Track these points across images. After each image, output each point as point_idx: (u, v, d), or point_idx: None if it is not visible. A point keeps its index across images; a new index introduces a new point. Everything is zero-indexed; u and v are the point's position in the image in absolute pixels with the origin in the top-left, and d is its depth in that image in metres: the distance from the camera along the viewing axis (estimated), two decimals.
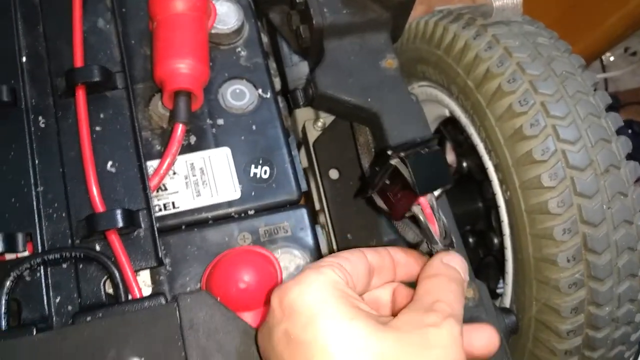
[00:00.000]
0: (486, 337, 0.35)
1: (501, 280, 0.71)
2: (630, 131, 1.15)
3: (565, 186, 0.49)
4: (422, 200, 0.35)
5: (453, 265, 0.35)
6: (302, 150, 0.74)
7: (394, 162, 0.35)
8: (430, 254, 0.37)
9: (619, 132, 0.53)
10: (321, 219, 0.70)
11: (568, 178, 0.49)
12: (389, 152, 0.35)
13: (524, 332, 0.58)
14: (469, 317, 0.47)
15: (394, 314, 0.38)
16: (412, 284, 0.39)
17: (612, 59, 1.25)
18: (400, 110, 0.52)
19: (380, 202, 0.39)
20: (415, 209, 0.36)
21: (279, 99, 0.59)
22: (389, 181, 0.36)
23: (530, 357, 0.58)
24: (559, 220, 0.49)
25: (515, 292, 0.59)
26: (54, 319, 0.43)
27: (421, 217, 0.36)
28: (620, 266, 0.49)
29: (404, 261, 0.38)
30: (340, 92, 0.52)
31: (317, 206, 0.71)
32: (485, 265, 0.82)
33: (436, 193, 0.36)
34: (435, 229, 0.36)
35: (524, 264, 0.54)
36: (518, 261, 0.56)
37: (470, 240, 0.84)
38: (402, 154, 0.34)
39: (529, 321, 0.56)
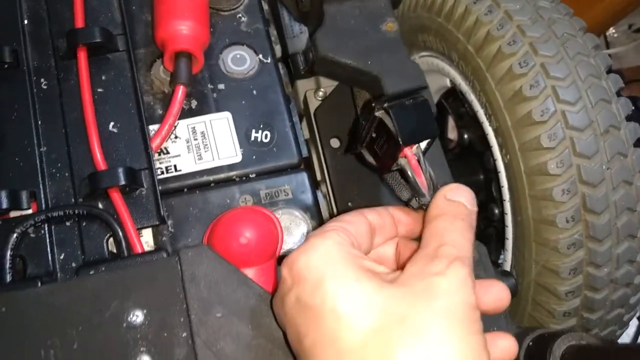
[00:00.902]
0: (495, 293, 0.34)
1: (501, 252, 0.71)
2: (633, 107, 1.14)
3: (564, 147, 0.49)
4: (408, 151, 0.35)
5: (458, 199, 0.34)
6: (304, 123, 0.74)
7: (378, 113, 0.35)
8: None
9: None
10: (323, 189, 0.71)
11: (567, 138, 0.49)
12: (373, 104, 0.35)
13: (523, 296, 0.58)
14: None
15: (399, 268, 0.38)
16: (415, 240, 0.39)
17: (615, 35, 1.24)
18: (400, 73, 0.52)
19: (369, 157, 0.39)
20: (402, 161, 0.36)
21: (280, 65, 0.59)
22: (375, 134, 0.36)
23: (529, 320, 0.59)
24: (559, 180, 0.49)
25: (515, 257, 0.60)
26: (59, 274, 0.44)
27: (408, 170, 0.36)
28: (619, 227, 0.50)
29: (404, 219, 0.38)
30: (340, 55, 0.52)
31: (319, 176, 0.72)
32: (486, 237, 0.82)
33: (422, 145, 0.36)
34: (422, 181, 0.35)
35: (523, 227, 0.55)
36: (518, 225, 0.56)
37: None
38: (385, 105, 0.34)
39: (528, 285, 0.57)
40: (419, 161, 0.36)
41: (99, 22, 0.50)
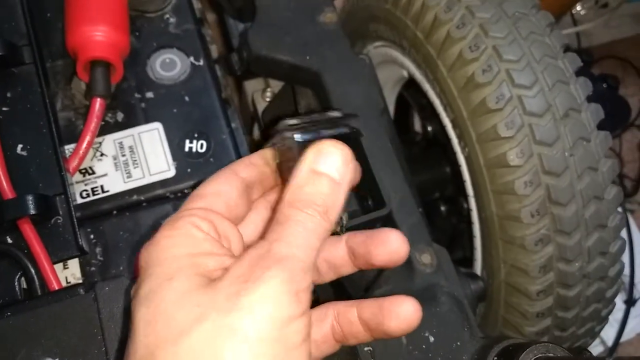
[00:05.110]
0: (387, 243, 0.31)
1: None
2: (605, 85, 1.11)
3: (523, 135, 0.45)
4: None
5: (323, 171, 0.27)
6: (257, 125, 0.70)
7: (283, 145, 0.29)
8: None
9: (594, 85, 0.48)
10: None
11: (526, 126, 0.45)
12: (280, 129, 0.30)
13: (495, 298, 0.54)
14: (427, 284, 0.44)
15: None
16: None
17: (582, 12, 1.20)
18: (343, 68, 0.48)
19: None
20: None
21: (217, 67, 0.55)
22: (279, 159, 0.31)
23: (504, 324, 0.55)
24: (520, 172, 0.45)
25: (483, 256, 0.56)
26: None
27: None
28: (588, 217, 0.46)
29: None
30: (275, 52, 0.48)
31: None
32: (460, 233, 0.79)
33: None
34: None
35: (488, 224, 0.51)
36: (483, 222, 0.52)
37: (442, 208, 0.80)
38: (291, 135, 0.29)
39: (499, 286, 0.53)
40: None
41: (1, 32, 0.45)
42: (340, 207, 0.27)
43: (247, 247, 0.30)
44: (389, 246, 0.31)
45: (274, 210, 0.27)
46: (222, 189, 0.29)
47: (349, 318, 0.31)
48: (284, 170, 0.32)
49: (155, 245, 0.26)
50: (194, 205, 0.28)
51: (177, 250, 0.26)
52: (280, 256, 0.25)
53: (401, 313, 0.29)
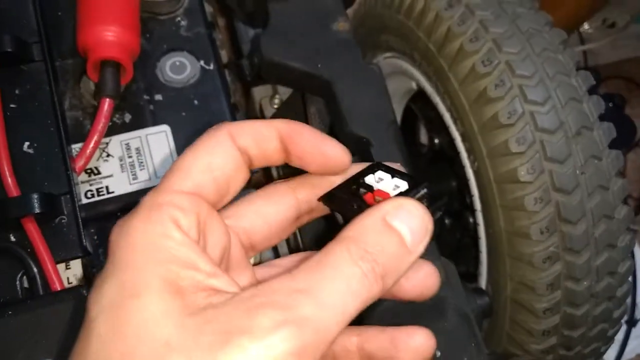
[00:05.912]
0: (420, 278, 0.27)
1: None
2: (611, 104, 1.11)
3: (534, 151, 0.45)
4: None
5: (397, 227, 0.21)
6: None
7: None
8: None
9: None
10: None
11: (537, 142, 0.45)
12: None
13: (500, 314, 0.54)
14: (435, 298, 0.43)
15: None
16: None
17: (590, 31, 1.21)
18: (354, 77, 0.48)
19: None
20: None
21: (227, 72, 0.54)
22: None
23: (508, 341, 0.54)
24: (530, 188, 0.45)
25: (489, 272, 0.55)
26: None
27: None
28: (597, 236, 0.45)
29: (301, 145, 0.25)
30: (287, 59, 0.48)
31: None
32: (464, 247, 0.78)
33: None
34: None
35: (496, 240, 0.50)
36: (490, 237, 0.52)
37: (447, 221, 0.79)
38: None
39: (504, 302, 0.52)
40: None
41: (12, 29, 0.45)
42: (398, 278, 0.22)
43: (240, 246, 0.25)
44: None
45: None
46: (214, 162, 0.23)
47: (346, 347, 0.26)
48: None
49: (126, 235, 0.21)
50: (176, 186, 0.22)
51: (148, 254, 0.20)
52: (300, 316, 0.18)
53: (418, 347, 0.24)
